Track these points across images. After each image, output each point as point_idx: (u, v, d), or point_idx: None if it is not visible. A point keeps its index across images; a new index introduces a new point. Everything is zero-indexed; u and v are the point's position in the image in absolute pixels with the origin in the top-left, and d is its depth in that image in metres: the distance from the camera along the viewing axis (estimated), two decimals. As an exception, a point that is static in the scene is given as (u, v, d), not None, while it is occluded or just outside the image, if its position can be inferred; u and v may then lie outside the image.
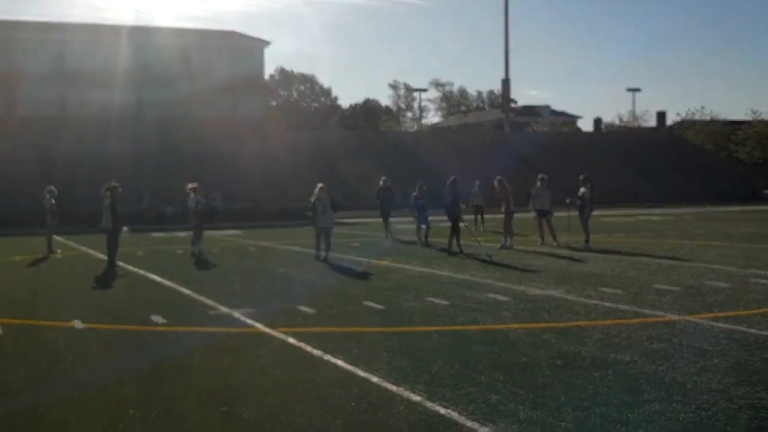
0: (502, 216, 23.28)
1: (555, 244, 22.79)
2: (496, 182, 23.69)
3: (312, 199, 20.74)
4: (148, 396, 7.61)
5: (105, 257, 19.86)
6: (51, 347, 10.03)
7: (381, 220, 28.05)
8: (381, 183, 28.63)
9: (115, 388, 7.91)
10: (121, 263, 19.46)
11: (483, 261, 19.06)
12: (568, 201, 23.20)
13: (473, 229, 26.03)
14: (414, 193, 25.11)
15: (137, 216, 41.27)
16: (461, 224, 21.85)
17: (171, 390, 7.83)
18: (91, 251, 24.01)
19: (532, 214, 24.08)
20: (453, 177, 22.32)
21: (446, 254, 20.79)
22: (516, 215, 23.42)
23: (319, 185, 20.88)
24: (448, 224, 21.79)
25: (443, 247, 21.79)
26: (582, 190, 22.65)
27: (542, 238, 23.65)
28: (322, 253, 20.48)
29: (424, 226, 24.50)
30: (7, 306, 13.67)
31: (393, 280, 15.93)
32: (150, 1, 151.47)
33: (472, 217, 28.94)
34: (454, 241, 21.56)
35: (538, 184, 23.96)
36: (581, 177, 23.12)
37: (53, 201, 24.06)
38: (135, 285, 16.37)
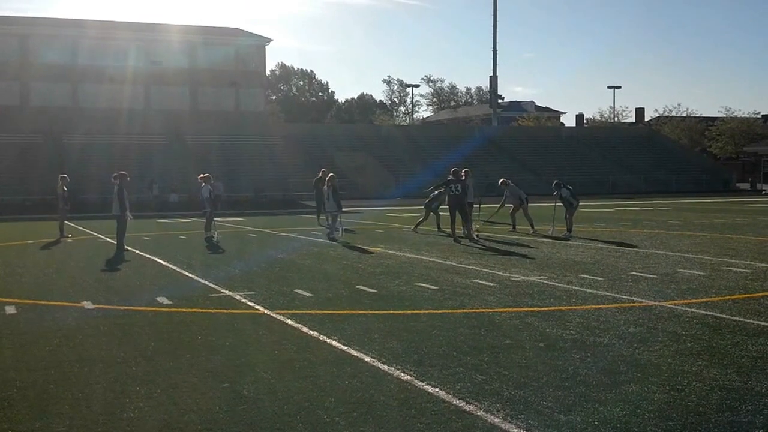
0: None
1: (532, 231, 23.30)
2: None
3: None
4: (154, 373, 7.59)
5: (114, 241, 19.82)
6: (62, 326, 9.99)
7: (317, 208, 28.09)
8: (320, 174, 27.13)
9: (122, 366, 7.88)
10: (129, 248, 19.41)
11: (472, 248, 19.05)
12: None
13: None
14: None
15: (146, 203, 41.10)
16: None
17: (175, 368, 7.81)
18: (101, 236, 23.95)
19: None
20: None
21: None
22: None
23: (329, 175, 23.16)
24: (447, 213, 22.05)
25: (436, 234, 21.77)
26: (555, 193, 22.74)
27: (513, 226, 24.23)
28: (334, 233, 22.07)
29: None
30: (20, 287, 13.63)
31: (384, 265, 15.91)
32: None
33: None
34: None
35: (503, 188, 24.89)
36: (554, 182, 23.16)
37: (65, 188, 24.00)
38: (142, 268, 16.31)
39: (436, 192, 23.99)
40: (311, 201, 31.83)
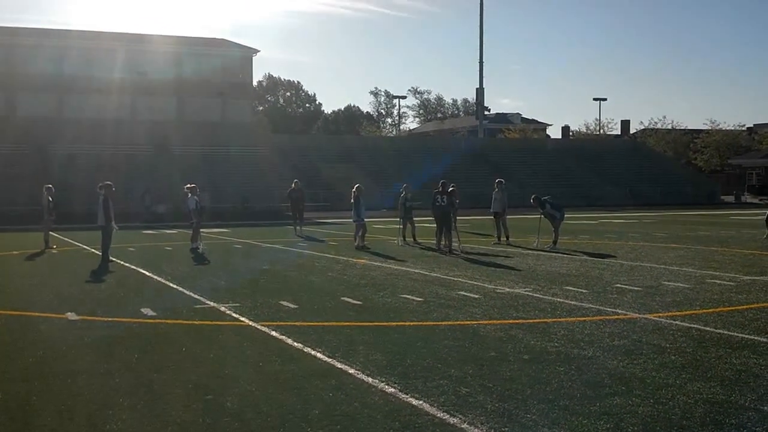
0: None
1: (505, 242, 23.52)
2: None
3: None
4: (138, 385, 7.55)
5: (99, 252, 19.71)
6: (45, 337, 9.93)
7: (292, 218, 29.64)
8: (293, 185, 29.89)
9: (105, 378, 7.84)
10: (114, 258, 19.31)
11: (458, 259, 19.06)
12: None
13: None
14: (402, 194, 25.05)
15: (138, 213, 40.81)
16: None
17: (159, 380, 7.77)
18: (86, 247, 23.83)
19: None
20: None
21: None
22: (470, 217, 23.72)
23: (356, 186, 23.74)
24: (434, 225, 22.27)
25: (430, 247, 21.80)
26: (541, 210, 22.74)
27: (498, 237, 24.23)
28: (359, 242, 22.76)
29: (410, 226, 24.66)
30: (3, 297, 13.54)
31: (370, 277, 15.90)
32: (145, 9, 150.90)
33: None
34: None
35: (495, 188, 24.73)
36: (533, 197, 23.09)
37: (50, 199, 23.85)
38: (126, 279, 16.23)
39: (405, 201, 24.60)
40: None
